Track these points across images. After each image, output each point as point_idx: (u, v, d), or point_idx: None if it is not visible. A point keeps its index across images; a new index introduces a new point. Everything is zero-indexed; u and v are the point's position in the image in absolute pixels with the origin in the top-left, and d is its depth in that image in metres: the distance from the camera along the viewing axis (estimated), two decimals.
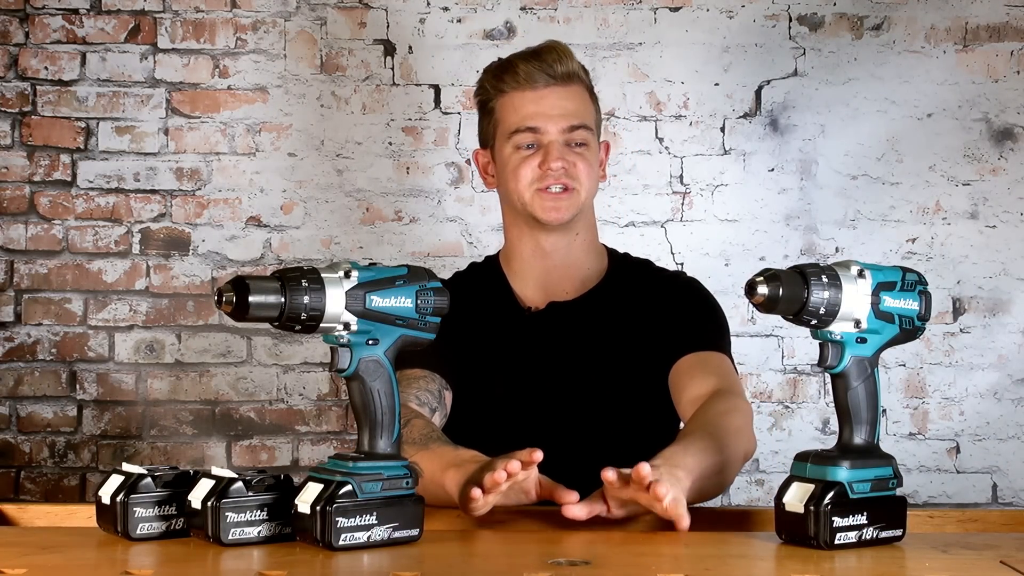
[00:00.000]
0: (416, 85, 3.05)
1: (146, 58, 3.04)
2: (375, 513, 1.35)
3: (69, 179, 3.03)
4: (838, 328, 1.38)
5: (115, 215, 3.04)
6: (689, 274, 2.15)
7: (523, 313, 2.03)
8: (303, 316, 1.32)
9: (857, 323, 1.38)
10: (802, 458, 1.40)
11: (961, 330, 3.03)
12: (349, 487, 1.34)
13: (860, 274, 1.38)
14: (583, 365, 1.98)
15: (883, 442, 1.45)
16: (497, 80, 2.00)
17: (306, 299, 1.31)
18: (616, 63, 3.04)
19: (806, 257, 3.01)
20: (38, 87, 3.03)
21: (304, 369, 3.05)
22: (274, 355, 3.05)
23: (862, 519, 1.37)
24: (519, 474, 1.49)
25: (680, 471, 1.53)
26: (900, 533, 1.42)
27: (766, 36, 3.04)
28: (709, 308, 2.03)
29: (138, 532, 1.39)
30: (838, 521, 1.36)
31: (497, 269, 2.08)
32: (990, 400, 3.03)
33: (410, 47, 3.05)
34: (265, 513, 1.37)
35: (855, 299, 1.37)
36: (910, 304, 1.43)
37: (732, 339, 2.03)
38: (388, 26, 3.05)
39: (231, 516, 1.35)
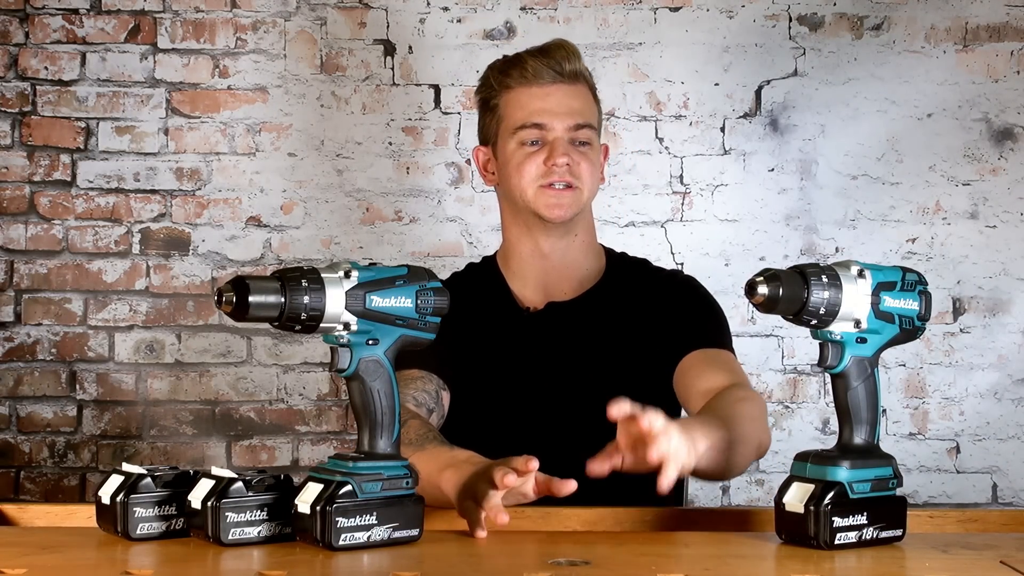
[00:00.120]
0: (416, 85, 3.05)
1: (146, 58, 3.04)
2: (375, 513, 1.35)
3: (69, 179, 3.03)
4: (838, 328, 1.38)
5: (115, 215, 3.04)
6: (688, 274, 2.15)
7: (521, 313, 2.03)
8: (303, 316, 1.31)
9: (857, 323, 1.38)
10: (802, 458, 1.40)
11: (961, 330, 3.03)
12: (349, 487, 1.33)
13: (860, 274, 1.38)
14: (582, 365, 1.97)
15: (883, 442, 1.45)
16: (503, 75, 1.99)
17: (306, 299, 1.31)
18: (616, 63, 3.04)
19: (806, 257, 3.01)
20: (38, 87, 3.03)
21: (304, 369, 3.05)
22: (274, 355, 3.05)
23: (862, 519, 1.37)
24: (516, 482, 1.48)
25: (694, 433, 1.51)
26: (900, 533, 1.42)
27: (766, 36, 3.04)
28: (709, 306, 2.03)
29: (138, 532, 1.39)
30: (838, 521, 1.36)
31: (495, 269, 2.08)
32: (990, 400, 3.03)
33: (410, 47, 3.05)
34: (265, 513, 1.37)
35: (855, 299, 1.37)
36: (910, 304, 1.43)
37: (732, 339, 2.03)
38: (388, 26, 3.05)
39: (231, 516, 1.35)
